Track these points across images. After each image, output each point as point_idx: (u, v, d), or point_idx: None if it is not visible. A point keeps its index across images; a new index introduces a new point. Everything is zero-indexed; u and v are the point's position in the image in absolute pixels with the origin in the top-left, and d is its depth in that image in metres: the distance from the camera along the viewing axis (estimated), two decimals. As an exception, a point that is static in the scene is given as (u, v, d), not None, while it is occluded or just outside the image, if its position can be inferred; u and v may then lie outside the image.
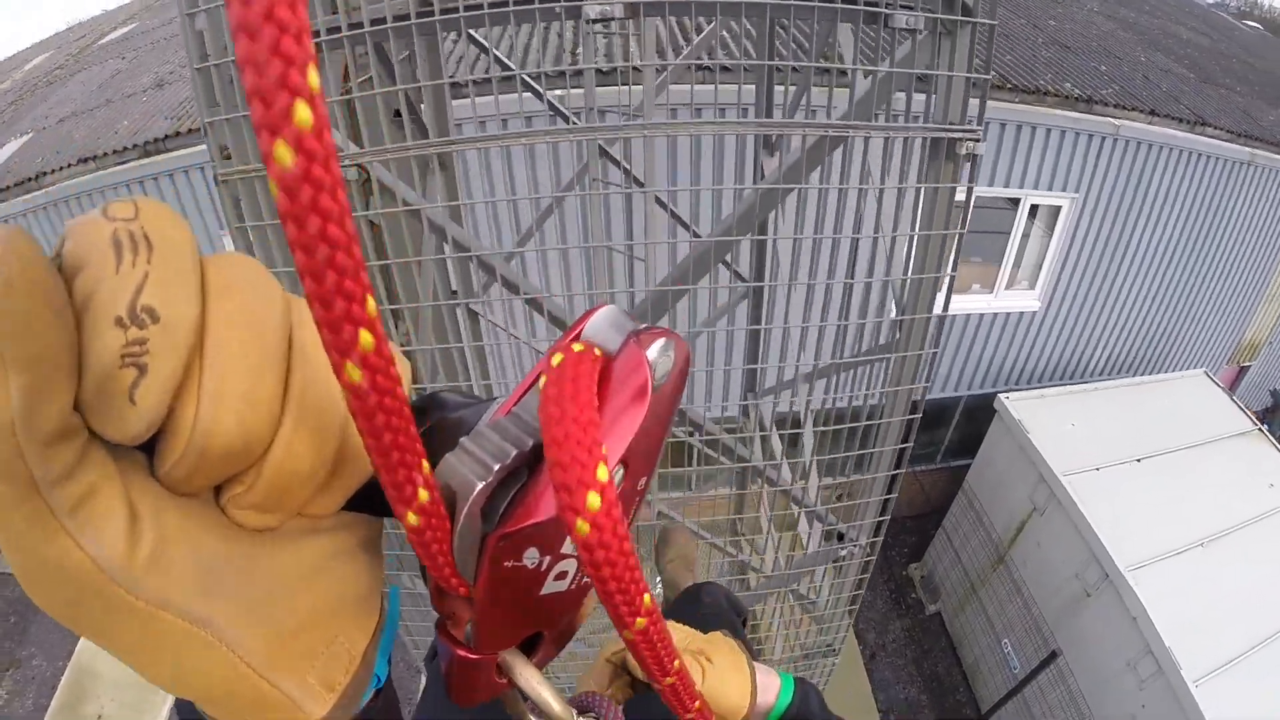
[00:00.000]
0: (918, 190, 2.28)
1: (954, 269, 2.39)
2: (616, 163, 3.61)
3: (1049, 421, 7.30)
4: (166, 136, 6.87)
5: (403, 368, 0.40)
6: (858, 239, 2.33)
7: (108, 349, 0.29)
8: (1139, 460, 7.06)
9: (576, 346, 0.39)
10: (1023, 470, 7.22)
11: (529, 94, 3.42)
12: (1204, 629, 5.71)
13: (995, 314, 8.59)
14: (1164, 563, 6.14)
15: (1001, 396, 7.61)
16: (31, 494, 0.30)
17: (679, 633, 1.01)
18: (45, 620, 7.96)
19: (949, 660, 8.67)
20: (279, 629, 0.40)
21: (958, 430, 9.30)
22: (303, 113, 0.25)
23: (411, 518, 0.36)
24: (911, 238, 2.36)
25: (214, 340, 0.33)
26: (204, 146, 2.07)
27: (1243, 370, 11.71)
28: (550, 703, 0.53)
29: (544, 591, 0.46)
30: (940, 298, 2.43)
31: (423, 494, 0.36)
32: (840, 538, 2.96)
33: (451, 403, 0.48)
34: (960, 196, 2.29)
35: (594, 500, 0.35)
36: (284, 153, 0.25)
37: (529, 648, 0.52)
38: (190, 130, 6.79)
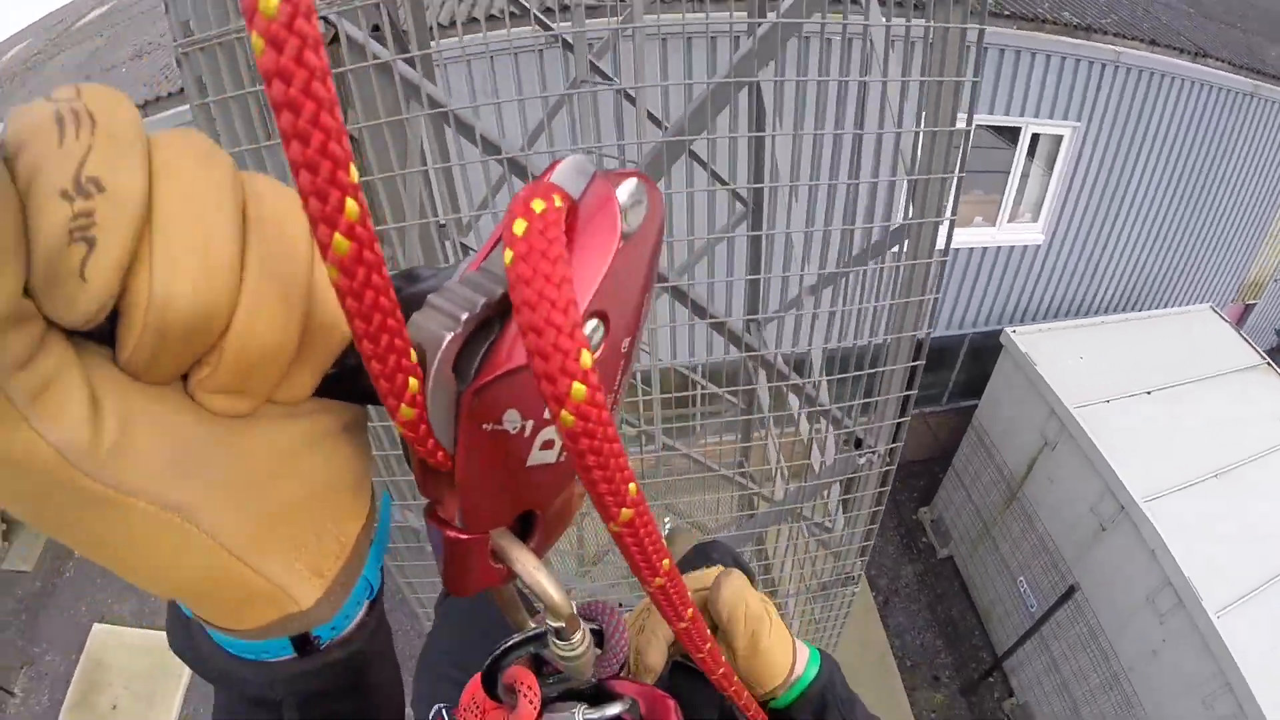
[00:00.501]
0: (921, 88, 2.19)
1: (954, 210, 2.31)
2: (606, 76, 3.47)
3: (1057, 355, 7.19)
4: (146, 103, 6.65)
5: None
6: (860, 135, 2.24)
7: (54, 224, 0.29)
8: (1149, 393, 6.98)
9: (537, 204, 0.36)
10: (1032, 405, 7.10)
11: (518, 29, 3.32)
12: (1222, 561, 5.61)
13: (999, 248, 8.45)
14: (1179, 494, 6.03)
15: (1008, 330, 7.49)
16: None
17: (749, 588, 0.95)
18: (56, 616, 8.03)
19: (963, 604, 8.60)
20: (260, 513, 0.39)
21: (963, 371, 9.15)
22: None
23: (405, 411, 0.36)
24: (916, 135, 2.24)
25: (163, 212, 0.32)
26: (183, 108, 2.01)
27: (1248, 308, 11.62)
28: (548, 588, 0.51)
29: (531, 462, 0.44)
30: (943, 232, 2.35)
31: (413, 383, 0.36)
32: (858, 444, 2.81)
33: (424, 274, 0.46)
34: (961, 124, 2.21)
35: (579, 389, 0.35)
36: (268, 3, 0.25)
37: (524, 535, 0.50)
38: (170, 95, 6.59)
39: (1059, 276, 8.99)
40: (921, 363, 2.58)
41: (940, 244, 2.35)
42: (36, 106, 0.30)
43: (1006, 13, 6.97)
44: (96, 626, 7.37)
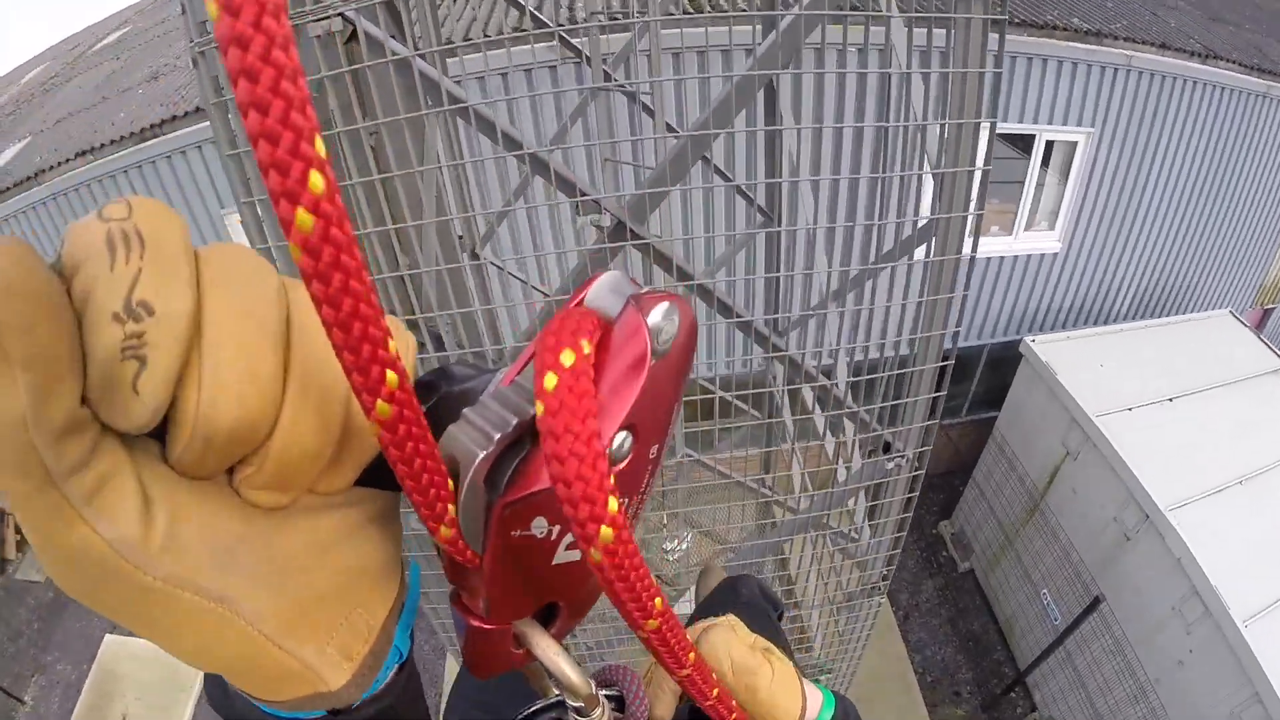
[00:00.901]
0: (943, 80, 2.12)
1: (980, 207, 2.24)
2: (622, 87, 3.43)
3: (1077, 363, 7.10)
4: (162, 121, 6.79)
5: (405, 345, 0.43)
6: (883, 128, 2.24)
7: (107, 344, 0.30)
8: (1170, 400, 6.87)
9: (567, 357, 0.37)
10: (1053, 414, 7.02)
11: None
12: (1249, 568, 5.49)
13: (1016, 256, 8.40)
14: (1203, 502, 5.92)
15: (1027, 339, 7.40)
16: (48, 486, 0.31)
17: (743, 628, 0.96)
18: (69, 625, 8.17)
19: (984, 618, 8.49)
20: (295, 602, 0.41)
21: (982, 382, 9.09)
22: (316, 180, 0.27)
23: (445, 531, 0.40)
24: (941, 129, 2.16)
25: (211, 328, 0.34)
26: (199, 126, 1.97)
27: (1267, 313, 11.48)
28: (568, 673, 0.54)
29: (556, 561, 0.46)
30: (970, 226, 2.28)
31: (452, 508, 0.40)
32: (886, 448, 2.73)
33: (458, 375, 0.48)
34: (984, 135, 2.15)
35: (607, 534, 0.38)
36: (304, 218, 0.27)
37: (547, 619, 0.53)
38: (186, 114, 6.73)
39: (1076, 284, 8.92)
40: (951, 363, 2.52)
41: (967, 241, 2.29)
42: (90, 226, 0.32)
43: (1016, 19, 6.95)
44: (109, 637, 7.35)
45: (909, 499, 2.94)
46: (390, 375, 0.33)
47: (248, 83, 0.26)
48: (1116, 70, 7.47)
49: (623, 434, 0.41)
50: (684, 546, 4.77)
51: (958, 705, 7.82)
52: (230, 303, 0.34)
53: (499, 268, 3.39)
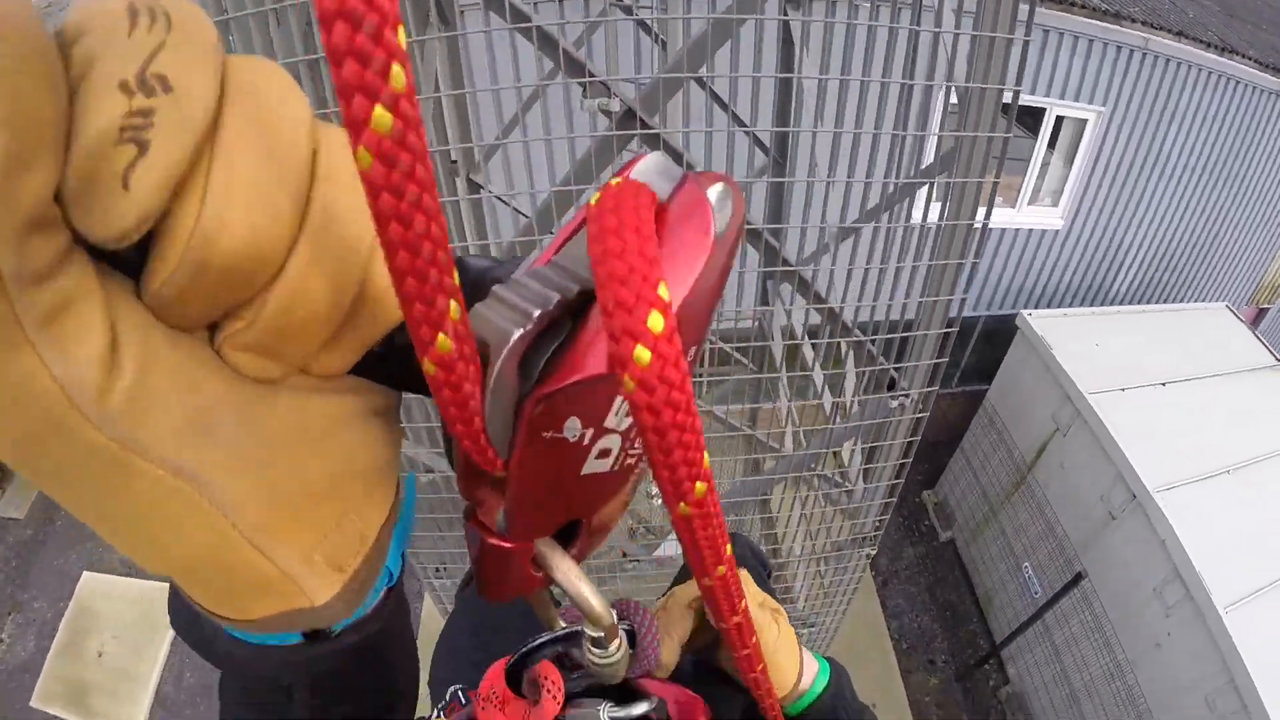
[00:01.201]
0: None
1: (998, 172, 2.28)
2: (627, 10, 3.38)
3: (1072, 340, 7.07)
4: None
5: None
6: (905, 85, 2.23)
7: (106, 115, 0.25)
8: (1164, 384, 6.85)
9: (626, 188, 0.33)
10: (1046, 388, 7.00)
11: None
12: (1233, 556, 5.48)
13: (1017, 230, 8.40)
14: (1191, 486, 5.90)
15: (1024, 313, 7.36)
16: None
17: (753, 585, 0.94)
18: (46, 564, 8.02)
19: (962, 589, 8.52)
20: (280, 492, 0.35)
21: (975, 353, 9.05)
22: (398, 74, 0.24)
23: (428, 366, 0.32)
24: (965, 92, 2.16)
25: (229, 135, 0.28)
26: None
27: (1262, 312, 11.51)
28: (590, 600, 0.51)
29: (585, 471, 0.41)
30: (985, 194, 2.31)
31: (443, 341, 0.31)
32: (891, 385, 2.71)
33: (474, 266, 0.44)
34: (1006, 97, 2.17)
35: (656, 320, 0.31)
36: (383, 116, 0.24)
37: (565, 539, 0.48)
38: None
39: (1076, 262, 8.93)
40: (955, 329, 2.51)
41: (980, 210, 2.30)
42: None
43: (1035, -7, 6.87)
44: (86, 574, 7.33)
45: (909, 443, 2.92)
46: (454, 306, 0.29)
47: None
48: (1133, 52, 7.43)
49: None
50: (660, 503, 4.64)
51: (931, 674, 7.85)
52: (256, 113, 0.29)
53: (504, 202, 3.32)
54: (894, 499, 3.22)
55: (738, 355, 4.13)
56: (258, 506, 0.34)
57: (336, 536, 0.39)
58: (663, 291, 0.31)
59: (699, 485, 0.39)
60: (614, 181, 0.34)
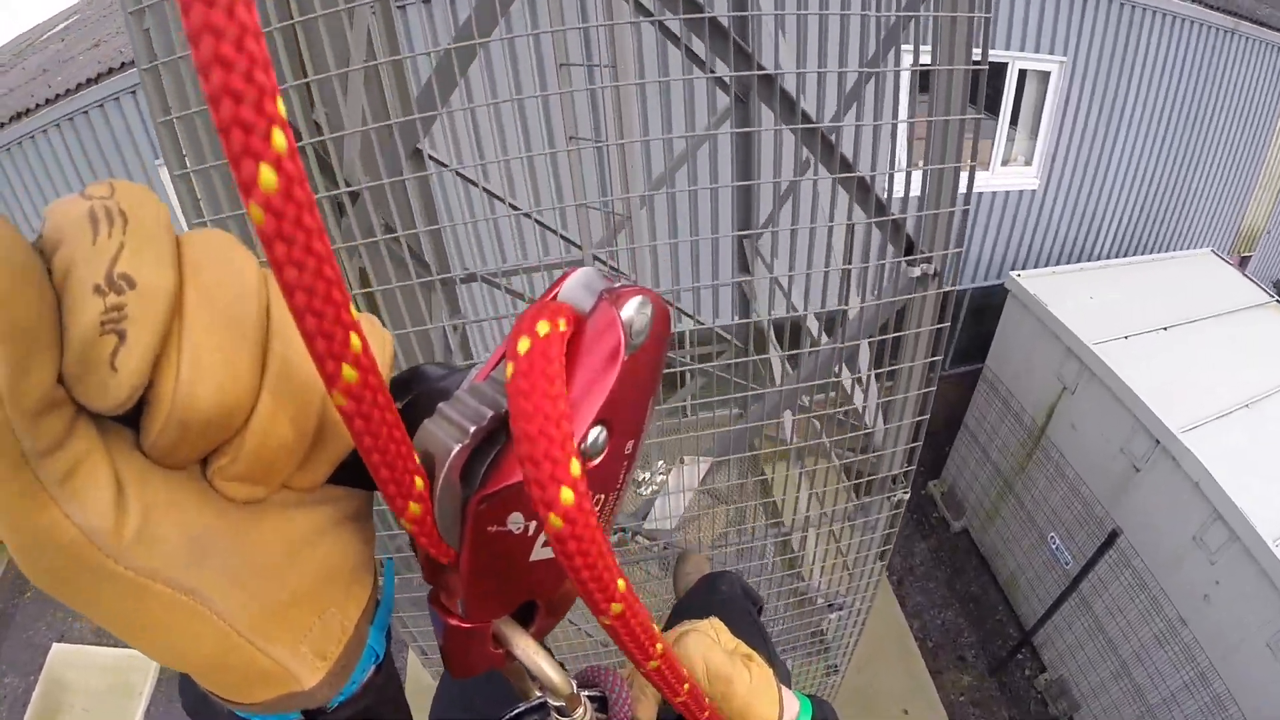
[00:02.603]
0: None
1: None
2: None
3: (1065, 296, 6.84)
4: (97, 75, 6.53)
5: (381, 343, 0.44)
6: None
7: (87, 316, 0.30)
8: (1166, 329, 6.62)
9: (542, 326, 0.39)
10: (1046, 347, 6.72)
11: None
12: (1271, 488, 5.12)
13: (994, 193, 8.20)
14: (1214, 425, 5.59)
15: (1012, 274, 7.15)
16: (21, 466, 0.30)
17: (725, 634, 0.96)
18: (16, 637, 7.98)
19: (984, 579, 8.15)
20: (269, 599, 0.41)
21: (966, 331, 8.84)
22: (279, 138, 0.27)
23: (413, 508, 0.40)
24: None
25: (191, 311, 0.33)
26: (129, 73, 1.78)
27: (1244, 261, 11.43)
28: (548, 672, 0.54)
29: (533, 558, 0.47)
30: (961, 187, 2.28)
31: (419, 481, 0.39)
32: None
33: (433, 374, 0.48)
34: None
35: (567, 495, 0.37)
36: (268, 175, 0.27)
37: (525, 620, 0.54)
38: (122, 65, 6.48)
39: (1056, 223, 8.75)
40: (954, 289, 2.35)
41: (962, 188, 2.23)
42: (71, 203, 0.32)
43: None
44: (56, 646, 7.20)
45: (931, 363, 2.50)
46: (354, 340, 0.32)
47: (212, 40, 0.25)
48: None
49: (598, 428, 0.41)
50: (658, 477, 4.49)
51: (964, 671, 7.45)
52: (211, 286, 0.34)
53: (462, 176, 2.97)
54: (919, 443, 2.81)
55: (721, 332, 3.82)
56: (252, 614, 0.40)
57: (320, 630, 0.45)
58: (574, 469, 0.37)
59: (614, 605, 0.46)
60: (528, 342, 0.38)
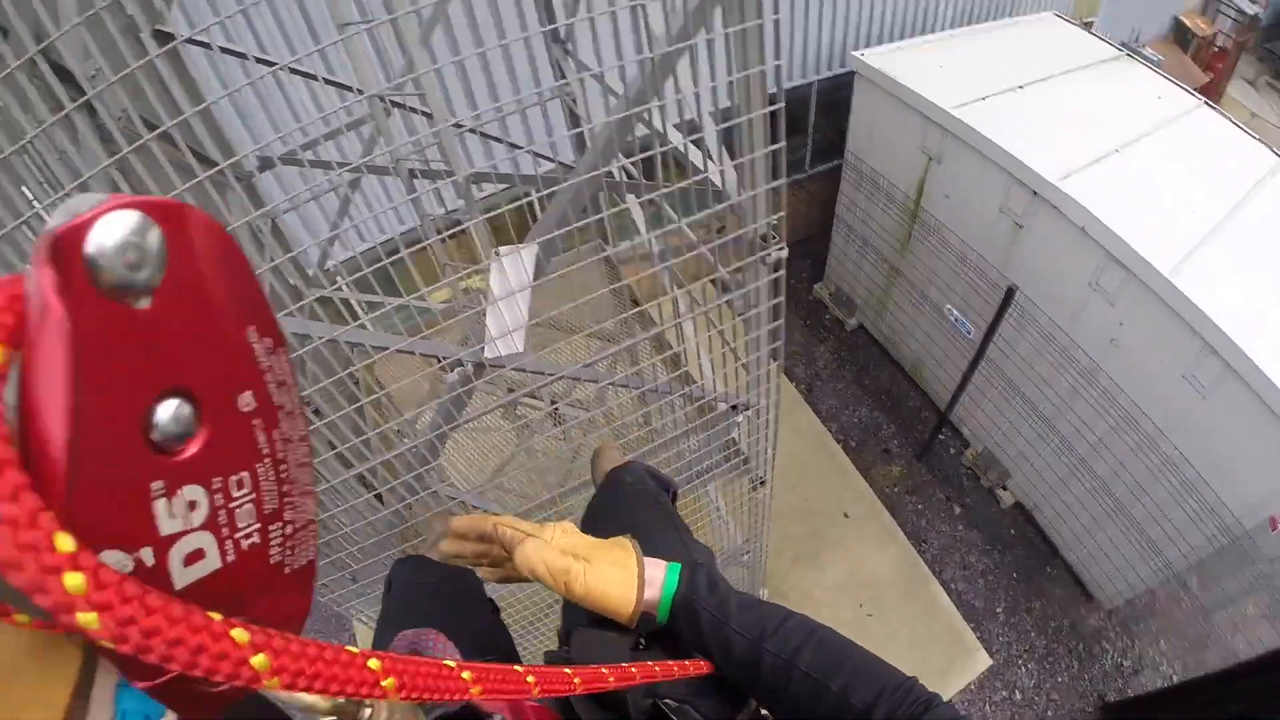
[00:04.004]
0: None
1: None
2: None
3: (914, 68, 6.66)
4: None
5: None
6: None
7: None
8: (1021, 87, 6.57)
9: None
10: (904, 121, 6.57)
11: None
12: (1156, 222, 5.18)
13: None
14: (1089, 171, 5.60)
15: (854, 53, 6.91)
16: None
17: (569, 539, 1.09)
18: None
19: (889, 368, 8.23)
20: None
21: (818, 130, 8.57)
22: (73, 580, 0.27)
23: None
24: None
25: None
26: None
27: (1087, 25, 11.39)
28: (303, 699, 0.49)
29: (180, 586, 0.38)
30: None
31: None
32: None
33: None
34: None
35: (73, 581, 0.29)
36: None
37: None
38: None
39: (891, -1, 8.39)
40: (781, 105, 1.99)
41: None
42: None
43: None
44: None
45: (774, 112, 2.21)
46: None
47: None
48: None
49: (173, 401, 0.34)
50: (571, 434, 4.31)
51: (891, 463, 7.50)
52: None
53: (228, 51, 2.55)
54: (783, 181, 2.48)
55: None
56: None
57: None
58: (60, 544, 0.29)
59: (257, 660, 0.37)
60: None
